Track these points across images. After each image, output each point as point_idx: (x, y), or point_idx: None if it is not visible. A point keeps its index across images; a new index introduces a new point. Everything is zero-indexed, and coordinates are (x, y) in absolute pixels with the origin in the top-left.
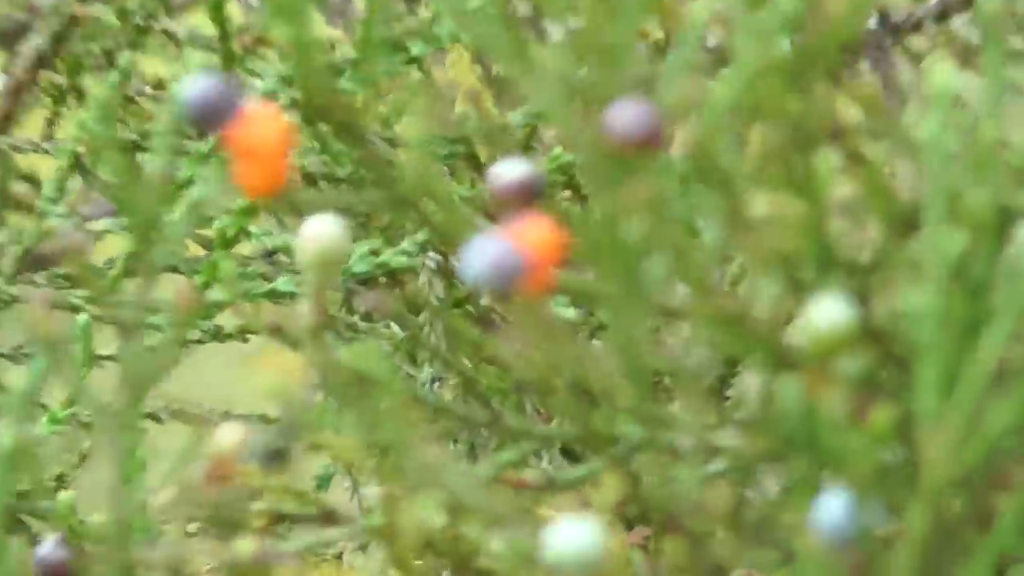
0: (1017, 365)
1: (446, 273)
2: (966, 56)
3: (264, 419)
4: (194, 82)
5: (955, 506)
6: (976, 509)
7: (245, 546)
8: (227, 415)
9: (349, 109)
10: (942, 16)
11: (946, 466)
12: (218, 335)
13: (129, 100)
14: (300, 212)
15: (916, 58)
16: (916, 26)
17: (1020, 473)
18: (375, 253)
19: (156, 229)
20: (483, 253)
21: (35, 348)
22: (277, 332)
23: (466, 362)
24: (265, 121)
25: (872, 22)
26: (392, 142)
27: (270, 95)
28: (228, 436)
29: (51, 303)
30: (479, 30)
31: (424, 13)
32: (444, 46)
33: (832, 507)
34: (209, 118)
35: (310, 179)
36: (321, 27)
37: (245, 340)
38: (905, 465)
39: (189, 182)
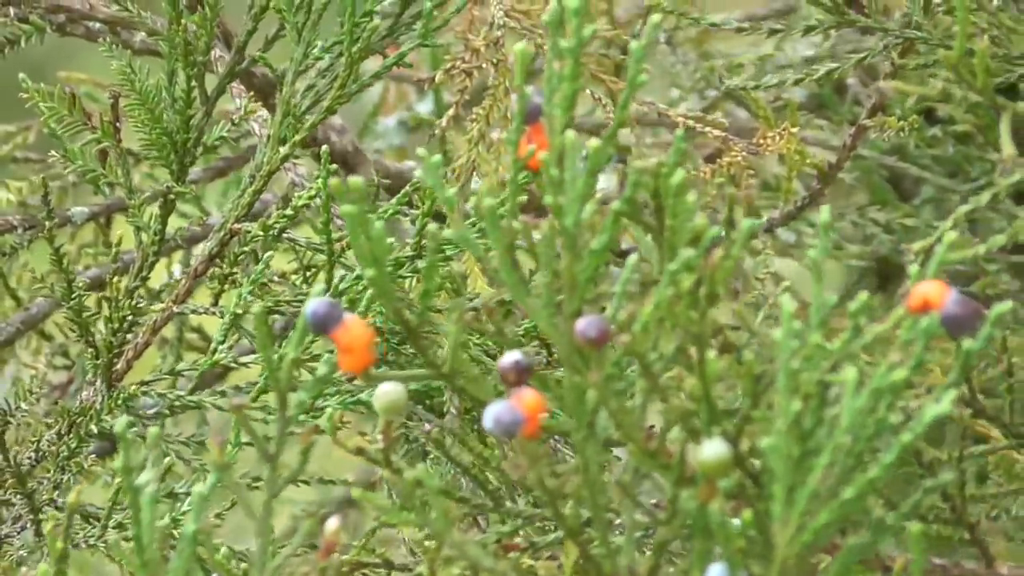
0: (831, 483)
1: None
2: (784, 250)
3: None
4: (315, 303)
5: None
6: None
7: None
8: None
9: (408, 321)
10: (770, 229)
11: (789, 548)
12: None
13: (263, 285)
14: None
15: (755, 252)
16: (753, 235)
17: (833, 550)
18: None
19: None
20: (494, 412)
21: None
22: (360, 452)
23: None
24: (357, 328)
25: None
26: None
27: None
28: (332, 524)
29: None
30: (496, 271)
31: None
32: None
33: (716, 572)
34: (322, 326)
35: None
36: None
37: None
38: (762, 545)
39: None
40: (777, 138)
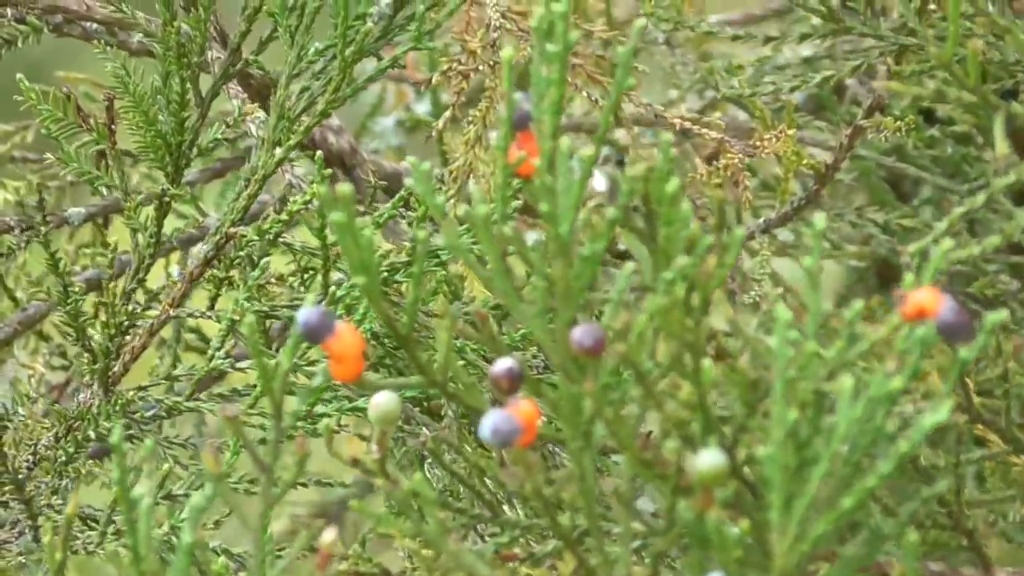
0: (829, 493)
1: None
2: (783, 250)
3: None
4: (306, 312)
5: None
6: None
7: None
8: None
9: (398, 329)
10: (767, 229)
11: (788, 557)
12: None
13: (261, 287)
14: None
15: (752, 252)
16: (751, 236)
17: (831, 557)
18: None
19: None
20: (492, 422)
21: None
22: (355, 463)
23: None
24: (349, 337)
25: None
26: (428, 314)
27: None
28: (329, 536)
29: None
30: (488, 279)
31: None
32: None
33: None
34: (314, 336)
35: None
36: (381, 242)
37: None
38: (760, 555)
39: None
40: (774, 140)
